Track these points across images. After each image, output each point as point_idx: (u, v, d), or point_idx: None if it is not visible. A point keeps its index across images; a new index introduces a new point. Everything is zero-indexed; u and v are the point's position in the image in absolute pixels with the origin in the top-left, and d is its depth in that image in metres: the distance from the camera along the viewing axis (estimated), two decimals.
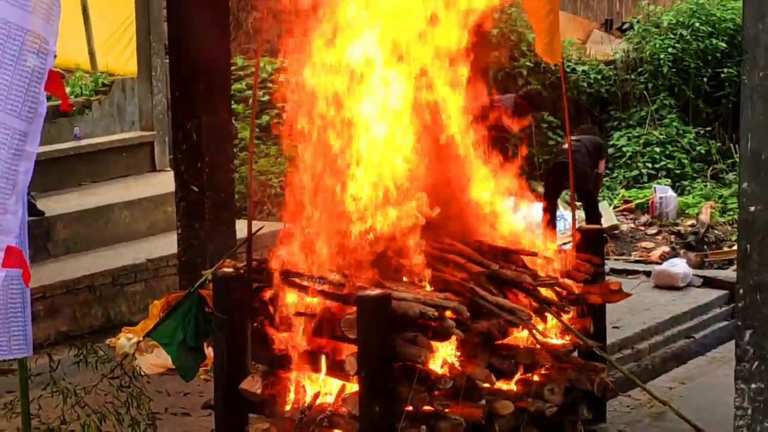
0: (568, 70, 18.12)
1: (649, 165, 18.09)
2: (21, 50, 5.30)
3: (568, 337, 8.45)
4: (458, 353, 7.73)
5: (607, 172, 17.91)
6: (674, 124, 18.60)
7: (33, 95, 5.34)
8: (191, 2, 11.09)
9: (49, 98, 5.47)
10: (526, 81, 17.79)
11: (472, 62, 8.60)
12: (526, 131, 13.82)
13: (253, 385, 7.98)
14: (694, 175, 17.94)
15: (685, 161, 18.11)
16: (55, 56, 5.44)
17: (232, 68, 12.48)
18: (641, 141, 18.44)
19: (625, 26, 22.15)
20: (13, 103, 5.30)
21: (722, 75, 18.69)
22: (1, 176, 5.37)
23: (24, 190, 5.51)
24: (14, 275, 5.57)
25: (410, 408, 7.42)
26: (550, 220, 12.17)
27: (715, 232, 15.51)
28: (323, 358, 7.82)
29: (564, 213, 14.10)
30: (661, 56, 18.89)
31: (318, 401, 7.82)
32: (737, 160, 5.34)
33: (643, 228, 16.14)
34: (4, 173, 5.37)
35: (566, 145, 12.67)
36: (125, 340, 10.71)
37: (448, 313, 7.53)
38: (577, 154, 12.95)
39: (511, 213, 8.95)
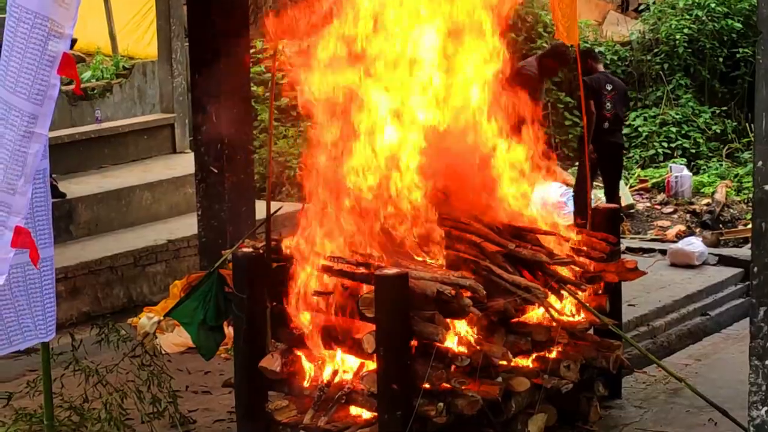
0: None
1: (665, 144, 18.05)
2: (30, 34, 5.31)
3: (583, 315, 8.45)
4: (475, 331, 7.75)
5: (623, 151, 17.91)
6: (690, 104, 18.55)
7: (43, 78, 5.34)
8: None
9: (70, 82, 5.50)
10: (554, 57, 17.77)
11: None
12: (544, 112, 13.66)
13: (272, 363, 8.00)
14: (710, 154, 17.90)
15: (701, 141, 18.06)
16: (76, 40, 5.45)
17: (252, 51, 12.47)
18: (657, 121, 18.40)
19: (641, 7, 22.10)
20: (23, 86, 5.31)
21: (738, 55, 18.64)
22: (10, 158, 5.38)
23: (33, 173, 5.51)
24: (45, 257, 5.62)
25: (427, 385, 7.42)
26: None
27: (731, 210, 15.48)
28: (341, 337, 7.85)
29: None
30: (677, 37, 18.83)
31: (336, 379, 7.84)
32: (752, 139, 5.34)
33: (659, 207, 16.10)
34: (14, 155, 5.38)
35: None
36: (146, 319, 10.75)
37: (465, 292, 7.58)
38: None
39: (529, 192, 8.94)
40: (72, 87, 12.51)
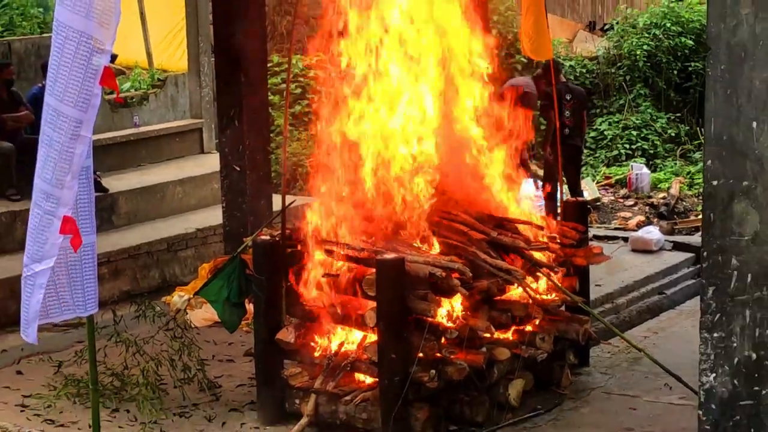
0: None
1: (627, 146, 18.08)
2: (76, 50, 5.30)
3: (556, 294, 8.45)
4: (462, 308, 7.74)
5: (590, 151, 17.94)
6: (648, 110, 18.57)
7: (88, 88, 5.33)
8: (233, 8, 11.09)
9: (111, 92, 5.49)
10: (521, 74, 17.76)
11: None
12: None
13: (287, 335, 8.00)
14: (666, 154, 17.91)
15: (658, 143, 18.09)
16: (116, 56, 5.44)
17: (269, 65, 12.47)
18: (620, 125, 18.42)
19: (606, 27, 22.09)
20: (70, 95, 5.30)
21: (690, 68, 18.64)
22: (59, 157, 5.38)
23: (79, 170, 5.49)
24: (87, 243, 5.59)
25: (421, 355, 7.42)
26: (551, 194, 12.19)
27: (684, 203, 15.51)
28: (347, 313, 7.84)
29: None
30: (637, 52, 18.86)
31: (342, 349, 7.84)
32: (702, 141, 5.36)
33: (621, 200, 16.11)
34: (62, 154, 5.38)
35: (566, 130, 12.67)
36: (178, 297, 10.74)
37: (453, 274, 7.58)
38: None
39: (511, 189, 8.93)
40: (113, 96, 12.57)
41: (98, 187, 11.37)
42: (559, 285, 8.42)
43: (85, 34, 5.28)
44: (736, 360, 5.39)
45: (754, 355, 5.35)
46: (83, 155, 5.39)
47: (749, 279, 5.31)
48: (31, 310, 5.51)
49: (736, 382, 5.40)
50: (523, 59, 17.63)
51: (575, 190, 13.66)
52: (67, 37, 5.27)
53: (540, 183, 13.59)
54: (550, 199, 11.97)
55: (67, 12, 5.27)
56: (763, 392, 5.36)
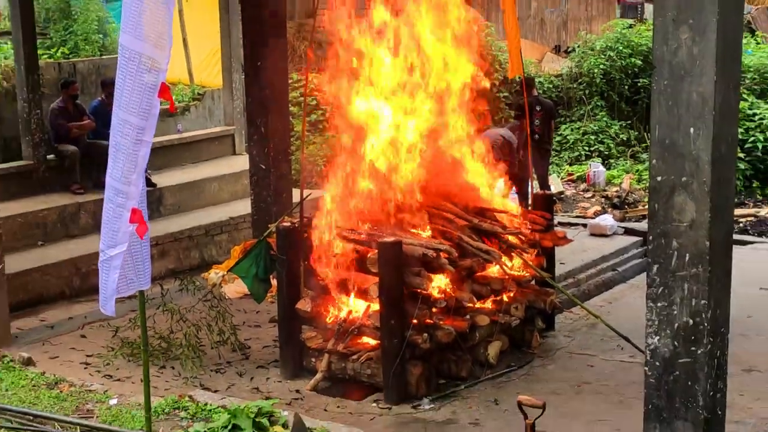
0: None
1: (586, 148, 18.02)
2: (138, 68, 5.31)
3: (527, 271, 8.46)
4: (449, 282, 7.76)
5: (556, 153, 17.93)
6: (604, 119, 18.51)
7: (148, 100, 5.35)
8: (260, 35, 11.07)
9: (166, 104, 5.50)
10: (498, 90, 17.75)
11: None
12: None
13: (305, 305, 8.02)
14: (618, 155, 17.86)
15: (612, 145, 18.04)
16: (165, 72, 5.44)
17: (289, 81, 12.46)
18: (580, 131, 18.37)
19: (569, 49, 22.03)
20: (133, 106, 5.32)
21: (638, 84, 18.56)
22: (126, 159, 5.40)
23: (143, 169, 5.51)
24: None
25: (415, 321, 7.46)
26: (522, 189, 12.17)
27: (633, 195, 15.46)
28: (354, 286, 7.85)
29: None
30: (595, 71, 18.79)
31: (350, 317, 7.85)
32: (649, 144, 5.37)
33: (581, 193, 16.08)
34: (129, 157, 5.39)
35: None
36: (214, 274, 10.75)
37: (442, 254, 7.60)
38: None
39: (491, 186, 8.93)
40: (166, 107, 12.59)
41: (148, 182, 11.34)
42: (530, 263, 8.43)
43: (145, 55, 5.30)
44: (676, 325, 5.39)
45: (690, 321, 5.36)
46: (146, 157, 5.41)
47: (687, 258, 5.32)
48: (109, 288, 5.53)
49: (676, 343, 5.41)
50: (499, 77, 17.60)
51: (544, 184, 13.65)
52: (130, 58, 5.29)
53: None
54: (521, 192, 11.94)
55: (129, 37, 5.29)
56: (699, 351, 5.36)
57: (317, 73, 15.01)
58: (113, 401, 7.17)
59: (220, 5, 15.13)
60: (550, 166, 16.42)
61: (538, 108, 13.10)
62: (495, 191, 8.94)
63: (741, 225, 13.56)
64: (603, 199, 15.58)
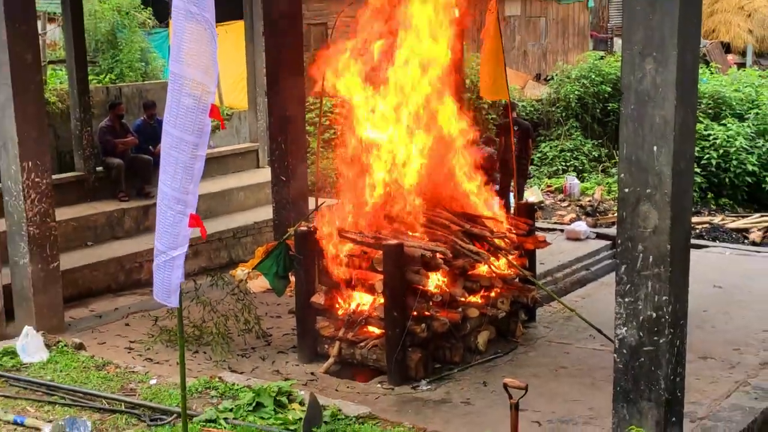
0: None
1: (563, 163, 18.01)
2: (192, 92, 5.31)
3: (512, 270, 8.44)
4: (444, 279, 7.76)
5: (536, 167, 17.93)
6: (579, 138, 18.49)
7: (200, 120, 5.35)
8: (280, 64, 11.07)
9: (213, 122, 5.49)
10: (488, 111, 17.75)
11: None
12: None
13: (319, 299, 8.02)
14: (591, 170, 17.85)
15: (585, 161, 18.03)
16: (213, 96, 5.44)
17: (306, 103, 12.46)
18: (558, 149, 18.34)
19: (548, 77, 22.04)
20: (188, 125, 5.32)
21: (608, 108, 18.56)
22: (184, 172, 5.40)
23: (198, 180, 5.51)
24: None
25: (415, 313, 7.45)
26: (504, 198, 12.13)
27: (604, 205, 15.45)
28: (361, 282, 7.86)
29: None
30: (571, 96, 18.79)
31: (358, 309, 7.85)
32: (617, 160, 5.38)
33: (559, 203, 16.06)
34: (186, 170, 5.40)
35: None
36: (241, 271, 10.72)
37: (438, 255, 7.60)
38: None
39: (482, 195, 8.91)
40: (216, 124, 12.64)
41: None
42: (514, 263, 8.42)
43: (195, 81, 5.31)
44: (641, 318, 5.40)
45: (653, 314, 5.37)
46: (201, 169, 5.42)
47: (650, 260, 5.33)
48: (173, 284, 5.50)
49: (641, 334, 5.41)
50: (488, 100, 17.59)
51: (520, 195, 13.64)
52: (183, 84, 5.29)
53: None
54: (505, 201, 11.90)
55: (180, 65, 5.30)
56: (661, 341, 5.37)
57: (330, 98, 15.16)
58: (153, 381, 7.17)
59: (246, 38, 15.16)
60: (530, 179, 16.46)
61: (516, 128, 13.10)
62: (494, 199, 8.91)
63: (697, 231, 13.57)
64: (577, 208, 15.58)
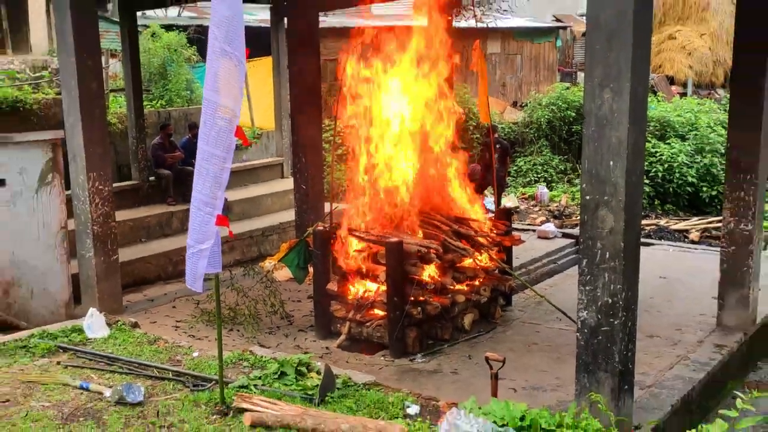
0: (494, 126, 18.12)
1: (535, 175, 18.00)
2: (223, 116, 5.35)
3: (492, 263, 8.45)
4: (436, 271, 7.77)
5: (513, 178, 17.93)
6: (548, 154, 18.48)
7: (228, 138, 5.38)
8: (301, 92, 11.09)
9: (237, 140, 5.51)
10: (473, 133, 17.76)
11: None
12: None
13: (333, 286, 8.03)
14: (558, 180, 17.84)
15: (553, 173, 18.02)
16: (238, 119, 5.47)
17: (322, 125, 12.48)
18: (531, 163, 18.34)
19: (523, 104, 22.05)
20: (219, 143, 5.36)
21: (573, 129, 18.53)
22: (213, 181, 5.43)
23: (224, 187, 5.54)
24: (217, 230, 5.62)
25: (412, 298, 7.46)
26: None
27: (568, 210, 15.44)
28: (368, 273, 7.87)
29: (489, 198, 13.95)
30: (542, 120, 18.79)
31: (365, 295, 7.86)
32: (580, 173, 5.36)
33: (531, 208, 16.04)
34: (215, 179, 5.43)
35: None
36: (268, 263, 10.73)
37: (431, 251, 7.60)
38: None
39: (468, 202, 8.92)
40: (241, 142, 12.69)
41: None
42: (494, 257, 8.43)
43: (224, 105, 5.34)
44: (599, 303, 5.40)
45: (609, 300, 5.37)
46: (227, 179, 5.47)
47: (607, 255, 5.33)
48: (198, 271, 5.55)
49: (599, 316, 5.42)
50: (473, 123, 17.61)
51: (499, 203, 13.65)
52: (216, 109, 5.33)
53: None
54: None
55: (212, 92, 5.33)
56: (615, 322, 5.37)
57: (342, 120, 15.19)
58: (195, 354, 7.20)
59: (273, 71, 15.22)
60: (508, 189, 16.47)
61: (497, 146, 13.12)
62: (479, 204, 8.91)
63: (646, 231, 13.57)
64: (547, 212, 15.57)
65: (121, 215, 11.18)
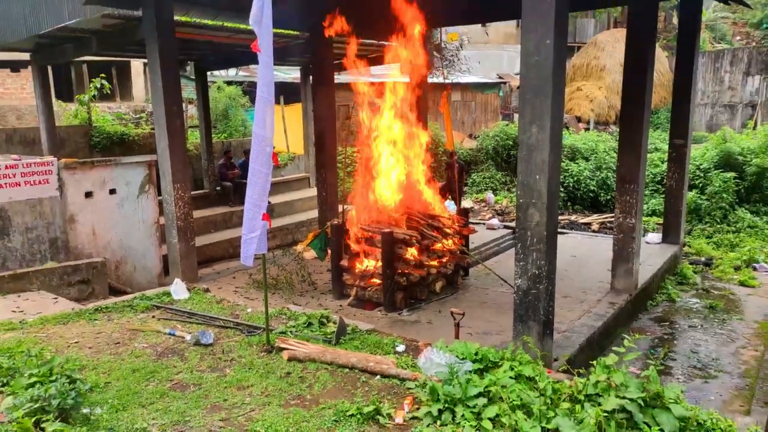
0: (457, 151, 18.03)
1: (485, 185, 17.91)
2: (267, 145, 5.32)
3: (455, 246, 8.41)
4: (416, 252, 7.75)
5: (469, 187, 17.86)
6: (493, 170, 18.39)
7: (268, 161, 5.35)
8: (321, 128, 11.03)
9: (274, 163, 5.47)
10: (441, 156, 17.69)
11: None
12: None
13: (345, 262, 7.98)
14: (501, 189, 17.78)
15: (497, 184, 17.94)
16: (274, 147, 5.43)
17: (338, 151, 12.44)
18: (482, 176, 18.27)
19: (477, 136, 21.99)
20: (263, 163, 5.34)
21: (511, 153, 18.48)
22: (261, 190, 5.40)
23: (267, 195, 5.49)
24: (264, 223, 5.60)
25: (399, 270, 7.44)
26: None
27: (508, 209, 15.43)
28: (369, 253, 7.84)
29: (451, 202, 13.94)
30: (490, 147, 18.68)
31: (367, 268, 7.81)
32: (516, 183, 5.35)
33: (482, 208, 15.98)
34: (262, 188, 5.40)
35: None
36: (300, 247, 10.69)
37: (413, 238, 7.56)
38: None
39: (441, 203, 8.88)
40: (273, 163, 12.62)
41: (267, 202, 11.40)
42: (457, 243, 8.41)
43: (266, 138, 5.32)
44: (529, 274, 5.41)
45: (536, 272, 5.38)
46: (268, 188, 5.45)
47: (534, 240, 5.34)
48: (250, 252, 5.53)
49: (529, 283, 5.43)
50: (441, 149, 17.54)
51: (459, 205, 13.62)
52: (262, 140, 5.31)
53: (451, 203, 13.55)
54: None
55: (261, 129, 5.31)
56: (540, 287, 5.38)
57: (351, 146, 15.16)
58: (249, 310, 7.17)
59: (302, 112, 15.16)
60: (465, 195, 16.43)
61: (457, 166, 13.09)
62: (444, 205, 8.87)
63: (562, 224, 13.55)
64: (493, 211, 15.54)
65: (197, 214, 11.15)
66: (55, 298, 7.46)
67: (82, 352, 5.74)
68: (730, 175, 13.22)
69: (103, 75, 14.52)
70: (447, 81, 16.54)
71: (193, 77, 14.83)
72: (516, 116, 25.32)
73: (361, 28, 8.34)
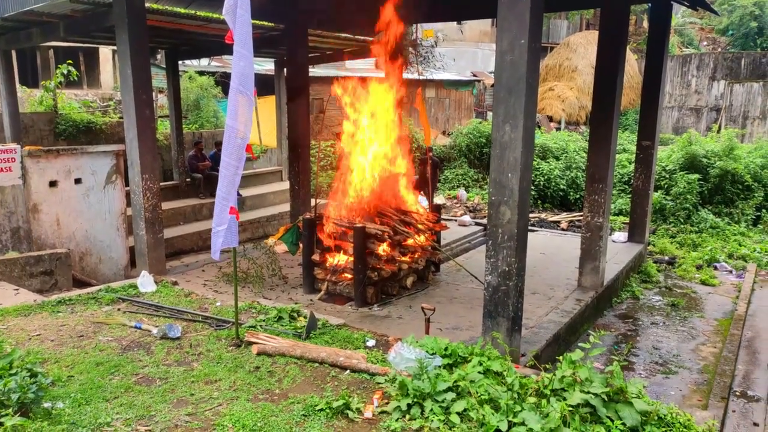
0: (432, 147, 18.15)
1: (457, 182, 18.03)
2: (238, 136, 5.25)
3: (427, 242, 8.45)
4: (388, 247, 7.76)
5: (442, 184, 17.96)
6: (466, 168, 18.53)
7: (240, 153, 5.28)
8: (294, 121, 10.94)
9: (247, 154, 5.41)
10: (416, 152, 17.72)
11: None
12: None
13: (316, 257, 7.94)
14: (473, 186, 17.92)
15: (470, 181, 18.06)
16: (248, 139, 5.36)
17: (310, 144, 12.37)
18: (455, 173, 18.36)
19: (451, 133, 22.10)
20: (234, 156, 5.26)
21: (484, 151, 18.63)
22: (229, 182, 5.33)
23: (236, 187, 5.43)
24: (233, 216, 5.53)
25: (371, 265, 7.45)
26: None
27: (480, 206, 15.57)
28: (340, 248, 7.82)
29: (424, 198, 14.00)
30: (463, 144, 18.80)
31: (338, 263, 7.80)
32: (488, 181, 5.37)
33: (455, 204, 16.07)
34: (231, 181, 5.33)
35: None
36: (271, 240, 10.59)
37: (385, 233, 7.57)
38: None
39: (414, 199, 8.90)
40: (249, 156, 12.48)
41: (238, 194, 11.25)
42: (429, 239, 8.44)
43: (239, 130, 5.25)
44: (499, 270, 5.47)
45: (507, 268, 5.44)
46: (238, 181, 5.38)
47: (505, 237, 5.40)
48: (216, 246, 5.46)
49: (499, 279, 5.49)
50: (416, 145, 17.55)
51: (432, 201, 13.69)
52: (234, 131, 5.25)
53: (422, 198, 13.61)
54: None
55: (232, 120, 5.24)
56: (510, 284, 5.44)
57: (324, 140, 15.04)
58: (218, 303, 7.09)
59: (276, 105, 15.00)
60: (438, 192, 16.51)
61: (431, 161, 13.13)
62: (417, 200, 8.89)
63: (532, 222, 13.74)
64: (465, 208, 15.66)
65: (166, 205, 10.96)
66: (17, 290, 7.25)
67: (44, 345, 5.59)
68: (695, 177, 13.60)
69: (70, 61, 14.08)
70: (421, 77, 16.58)
71: (164, 66, 14.51)
72: (489, 114, 25.55)
73: (337, 22, 8.29)
